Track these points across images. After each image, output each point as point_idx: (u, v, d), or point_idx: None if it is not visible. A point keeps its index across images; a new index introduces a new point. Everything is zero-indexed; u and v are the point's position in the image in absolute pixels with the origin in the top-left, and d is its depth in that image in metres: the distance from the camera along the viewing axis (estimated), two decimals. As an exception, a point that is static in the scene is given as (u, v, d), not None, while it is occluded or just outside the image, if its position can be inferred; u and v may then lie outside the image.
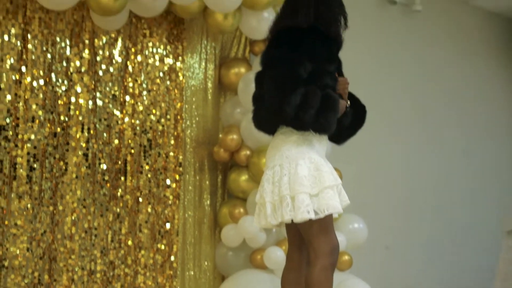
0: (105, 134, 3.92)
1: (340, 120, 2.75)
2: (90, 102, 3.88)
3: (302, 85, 2.60)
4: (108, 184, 3.93)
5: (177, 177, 4.16)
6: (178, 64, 4.20)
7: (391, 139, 5.57)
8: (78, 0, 3.57)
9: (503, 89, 6.57)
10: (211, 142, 4.36)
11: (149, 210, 4.04)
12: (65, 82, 3.81)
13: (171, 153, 4.16)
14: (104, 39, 3.95)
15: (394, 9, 5.68)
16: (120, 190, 3.96)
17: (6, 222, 3.60)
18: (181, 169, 4.17)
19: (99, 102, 3.91)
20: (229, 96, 4.50)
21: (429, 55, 5.92)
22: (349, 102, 2.83)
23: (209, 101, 4.35)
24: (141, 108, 4.06)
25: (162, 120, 4.13)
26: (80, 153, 3.83)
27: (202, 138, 4.32)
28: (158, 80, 4.13)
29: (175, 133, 4.17)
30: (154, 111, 4.10)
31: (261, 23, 4.14)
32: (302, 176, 2.63)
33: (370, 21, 5.51)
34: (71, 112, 3.82)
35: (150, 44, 4.11)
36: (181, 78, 4.21)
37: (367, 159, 5.28)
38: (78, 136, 3.83)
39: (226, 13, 4.01)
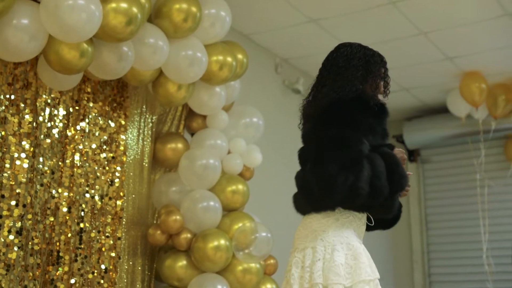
0: (39, 210, 3.33)
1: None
2: (27, 171, 3.29)
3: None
4: (40, 270, 3.31)
5: (113, 261, 3.65)
6: (120, 135, 3.78)
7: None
8: (38, 52, 3.08)
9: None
10: (144, 223, 3.94)
11: (83, 300, 3.47)
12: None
13: (107, 234, 3.66)
14: (46, 101, 3.43)
15: (296, 97, 5.78)
16: (52, 275, 3.35)
17: None
18: (118, 252, 3.67)
19: (36, 171, 3.34)
20: (159, 173, 4.15)
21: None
22: None
23: (144, 178, 3.95)
24: (79, 181, 3.54)
25: (101, 195, 3.64)
26: (13, 230, 3.20)
27: (137, 218, 3.88)
28: (98, 151, 3.67)
29: (113, 212, 3.69)
30: (92, 185, 3.61)
31: (212, 98, 3.93)
32: (339, 264, 2.39)
33: (276, 106, 5.54)
34: (5, 181, 3.20)
35: (93, 110, 3.66)
36: (122, 149, 3.78)
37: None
38: (11, 210, 3.20)
39: (180, 85, 3.74)
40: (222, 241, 3.78)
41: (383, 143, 2.55)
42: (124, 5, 3.14)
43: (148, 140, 3.99)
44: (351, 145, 2.42)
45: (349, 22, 5.17)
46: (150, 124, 4.02)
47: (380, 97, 2.64)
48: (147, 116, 4.01)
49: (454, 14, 5.04)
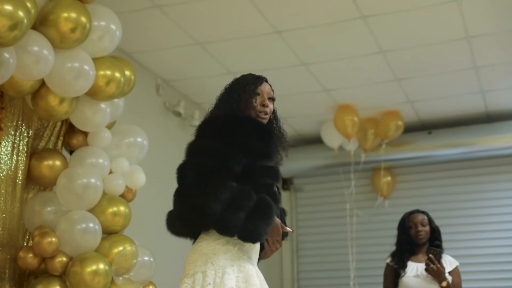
0: None
1: None
2: None
3: (234, 181, 2.36)
4: None
5: (-22, 287, 3.32)
6: (-7, 148, 3.49)
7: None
8: None
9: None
10: (14, 245, 3.63)
11: None
12: None
13: (-27, 257, 3.33)
14: None
15: (177, 120, 5.70)
16: None
17: None
18: (-16, 277, 3.35)
19: None
20: (33, 191, 3.86)
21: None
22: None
23: (17, 196, 3.66)
24: None
25: (-31, 214, 3.32)
26: None
27: (7, 239, 3.57)
28: (-32, 165, 3.35)
29: (-18, 232, 3.37)
30: (-41, 202, 3.28)
31: (96, 115, 3.73)
32: (230, 287, 2.35)
33: (157, 127, 5.42)
34: None
35: (-36, 120, 3.35)
36: (-6, 165, 3.48)
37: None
38: None
39: (63, 98, 3.51)
40: (101, 265, 3.57)
41: (263, 163, 2.48)
42: (8, 7, 2.91)
43: (23, 155, 3.71)
44: (220, 156, 2.37)
45: (234, 48, 5.19)
46: (26, 139, 3.75)
47: (261, 113, 2.65)
48: (23, 129, 3.74)
49: (335, 47, 5.23)
